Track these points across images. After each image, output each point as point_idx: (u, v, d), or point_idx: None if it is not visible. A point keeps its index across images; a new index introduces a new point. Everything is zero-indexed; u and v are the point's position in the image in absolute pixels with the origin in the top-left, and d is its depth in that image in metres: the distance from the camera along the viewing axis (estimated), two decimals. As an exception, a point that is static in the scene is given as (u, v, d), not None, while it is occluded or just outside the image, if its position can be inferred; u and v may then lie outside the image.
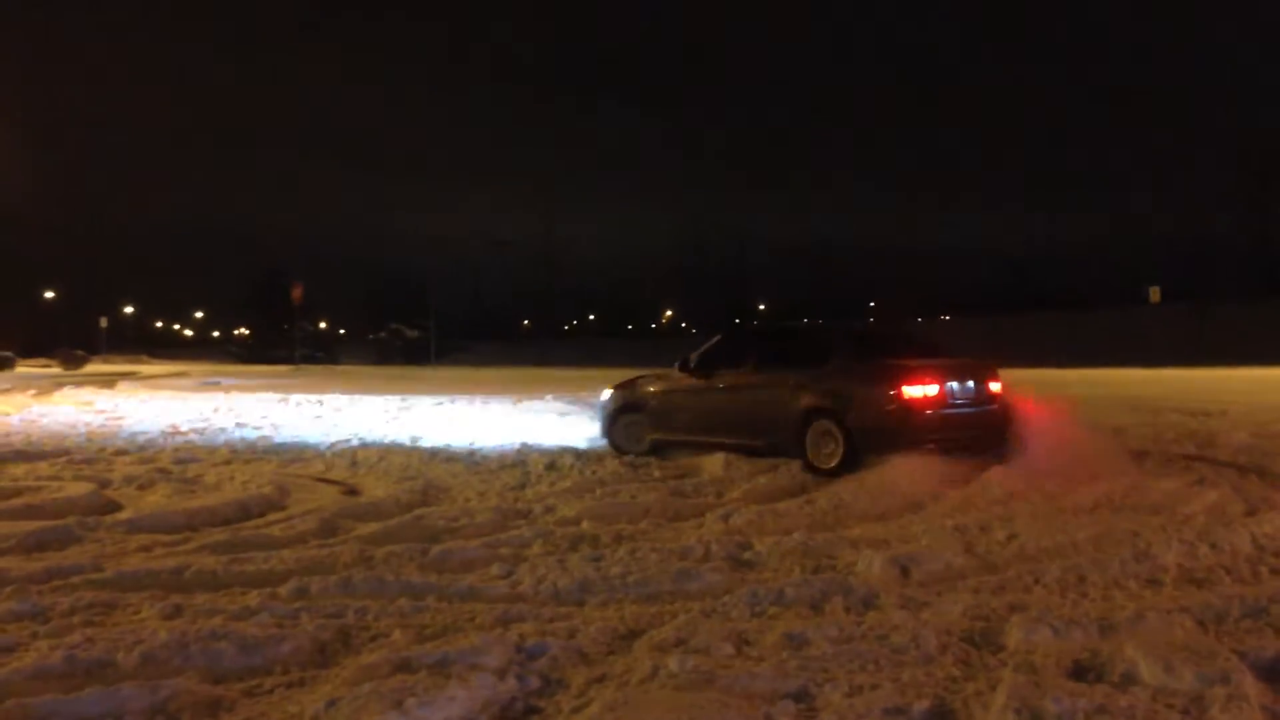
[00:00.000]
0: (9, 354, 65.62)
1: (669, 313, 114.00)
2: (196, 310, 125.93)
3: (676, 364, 11.42)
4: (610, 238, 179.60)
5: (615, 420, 11.90)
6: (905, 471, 8.89)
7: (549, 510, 7.89)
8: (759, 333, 15.02)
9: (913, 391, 9.58)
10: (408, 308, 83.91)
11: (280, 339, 79.40)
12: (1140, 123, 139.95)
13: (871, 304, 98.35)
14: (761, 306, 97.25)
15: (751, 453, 10.22)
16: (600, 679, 4.18)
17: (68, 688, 4.02)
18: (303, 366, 59.72)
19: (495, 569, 6.02)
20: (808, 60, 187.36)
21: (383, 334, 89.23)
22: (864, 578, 5.75)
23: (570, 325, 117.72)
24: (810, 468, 9.64)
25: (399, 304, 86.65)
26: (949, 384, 9.77)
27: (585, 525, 7.23)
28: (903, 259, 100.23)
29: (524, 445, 11.87)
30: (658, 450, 11.20)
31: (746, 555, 6.33)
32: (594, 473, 9.70)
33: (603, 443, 11.95)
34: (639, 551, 6.33)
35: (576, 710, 3.83)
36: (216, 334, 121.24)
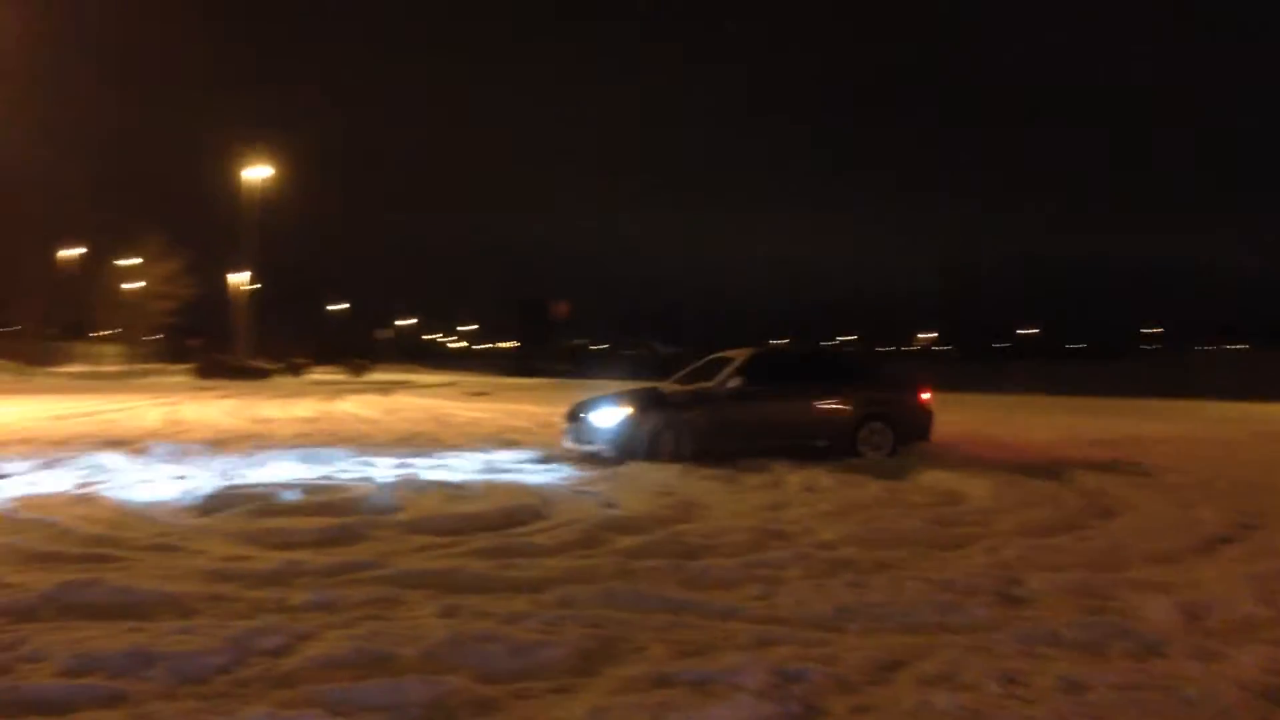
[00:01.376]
0: (303, 361, 72.95)
1: (924, 335, 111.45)
2: (467, 324, 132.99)
3: (677, 379, 14.19)
4: (866, 256, 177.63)
5: (654, 429, 12.40)
6: (1187, 512, 8.26)
7: (807, 532, 7.80)
8: (797, 354, 18.36)
9: (928, 398, 13.70)
10: (660, 324, 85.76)
11: (542, 353, 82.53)
12: None
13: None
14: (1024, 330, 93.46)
15: (810, 451, 12.46)
16: (862, 709, 4.08)
17: (355, 676, 4.29)
18: (563, 380, 61.91)
19: (753, 589, 6.00)
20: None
21: (637, 350, 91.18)
22: (1149, 623, 5.36)
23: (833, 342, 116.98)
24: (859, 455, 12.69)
25: (658, 322, 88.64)
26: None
27: (845, 550, 7.09)
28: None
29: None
30: (699, 457, 11.93)
31: (1016, 591, 6.02)
32: (853, 496, 9.48)
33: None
34: (901, 580, 6.15)
35: (840, 740, 3.75)
36: (482, 346, 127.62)
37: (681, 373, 14.09)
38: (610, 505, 9.26)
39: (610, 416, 12.58)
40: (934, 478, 10.73)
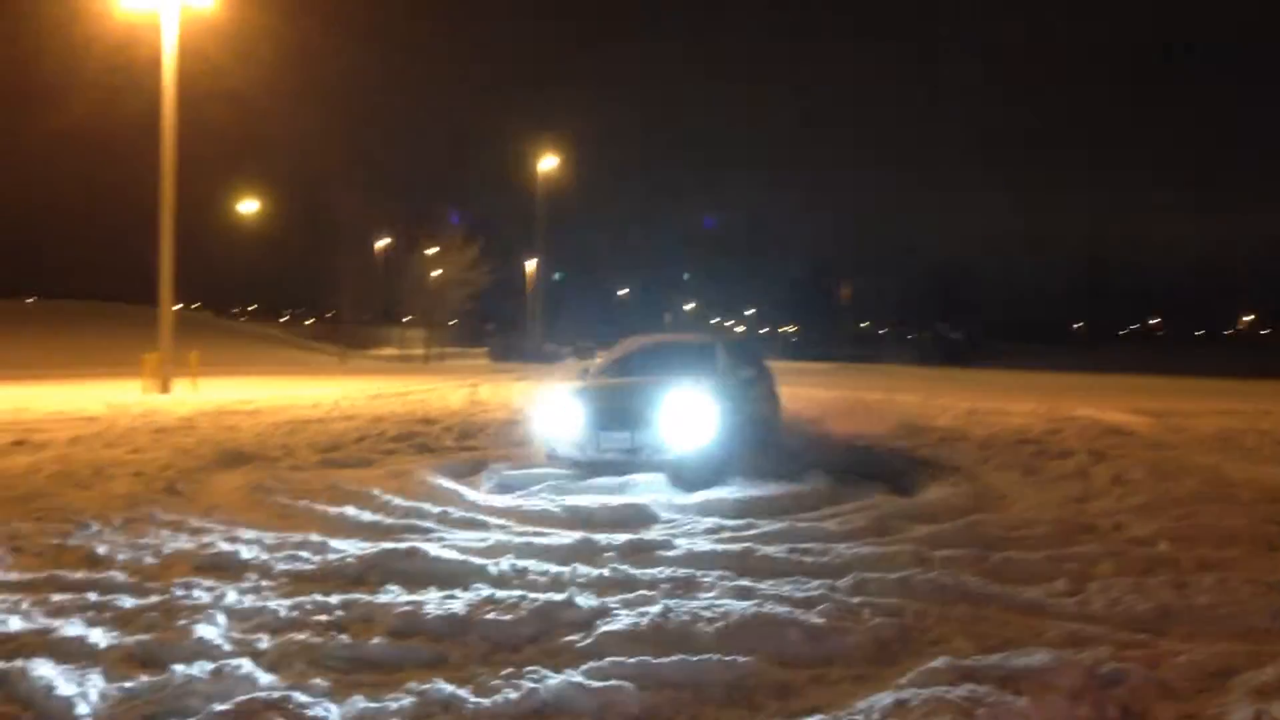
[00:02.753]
0: (589, 344, 73.29)
1: (1247, 317, 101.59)
2: (747, 308, 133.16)
3: None
4: (1171, 235, 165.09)
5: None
6: None
7: (1117, 528, 7.31)
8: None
9: None
10: (948, 309, 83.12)
11: (823, 337, 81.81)
12: None
13: None
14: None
15: None
16: (1190, 719, 3.78)
17: (656, 652, 4.38)
18: (846, 364, 60.95)
19: (1060, 584, 5.69)
20: None
21: (924, 334, 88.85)
22: None
23: (1127, 330, 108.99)
24: None
25: (940, 305, 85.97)
26: None
27: (1162, 547, 6.60)
28: None
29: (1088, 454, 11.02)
30: None
31: (1369, 599, 5.40)
32: (1167, 490, 8.78)
33: None
34: (1229, 581, 5.64)
35: (1167, 751, 3.49)
36: (765, 330, 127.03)
37: None
38: (901, 492, 9.05)
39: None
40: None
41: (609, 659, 4.28)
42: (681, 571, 5.88)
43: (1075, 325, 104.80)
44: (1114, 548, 6.58)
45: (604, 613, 4.99)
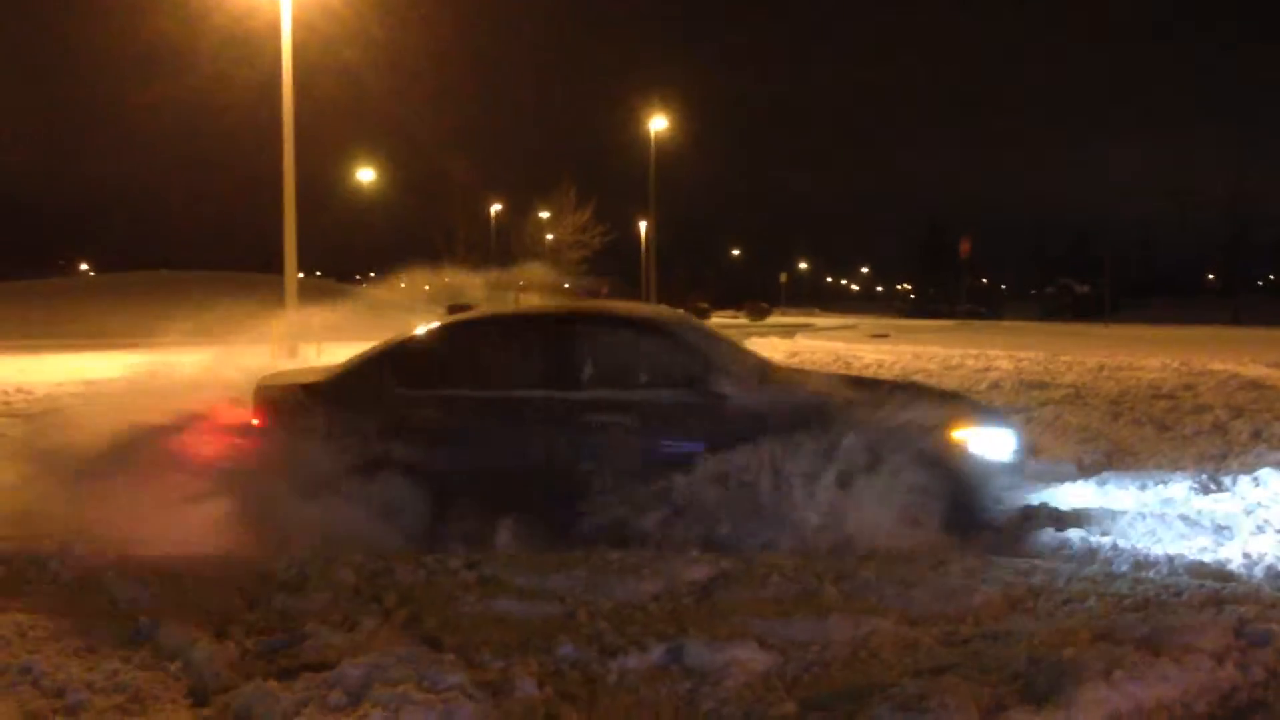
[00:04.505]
0: (704, 305, 72.67)
1: None
2: (862, 266, 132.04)
3: None
4: None
5: None
6: None
7: (1258, 484, 7.02)
8: None
9: None
10: (1074, 263, 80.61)
11: (942, 294, 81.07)
12: None
13: None
14: None
15: None
16: (1339, 682, 3.63)
17: (780, 612, 4.39)
18: (966, 321, 59.66)
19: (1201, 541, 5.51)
20: None
21: (1049, 289, 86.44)
22: None
23: (1266, 280, 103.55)
24: None
25: (1066, 259, 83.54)
26: None
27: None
28: None
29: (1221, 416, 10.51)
30: None
31: None
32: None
33: None
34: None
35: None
36: (880, 289, 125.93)
37: None
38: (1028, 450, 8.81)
39: None
40: None
41: (736, 617, 4.30)
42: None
43: (1209, 277, 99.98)
44: (1253, 504, 6.33)
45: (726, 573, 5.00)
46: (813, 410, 6.00)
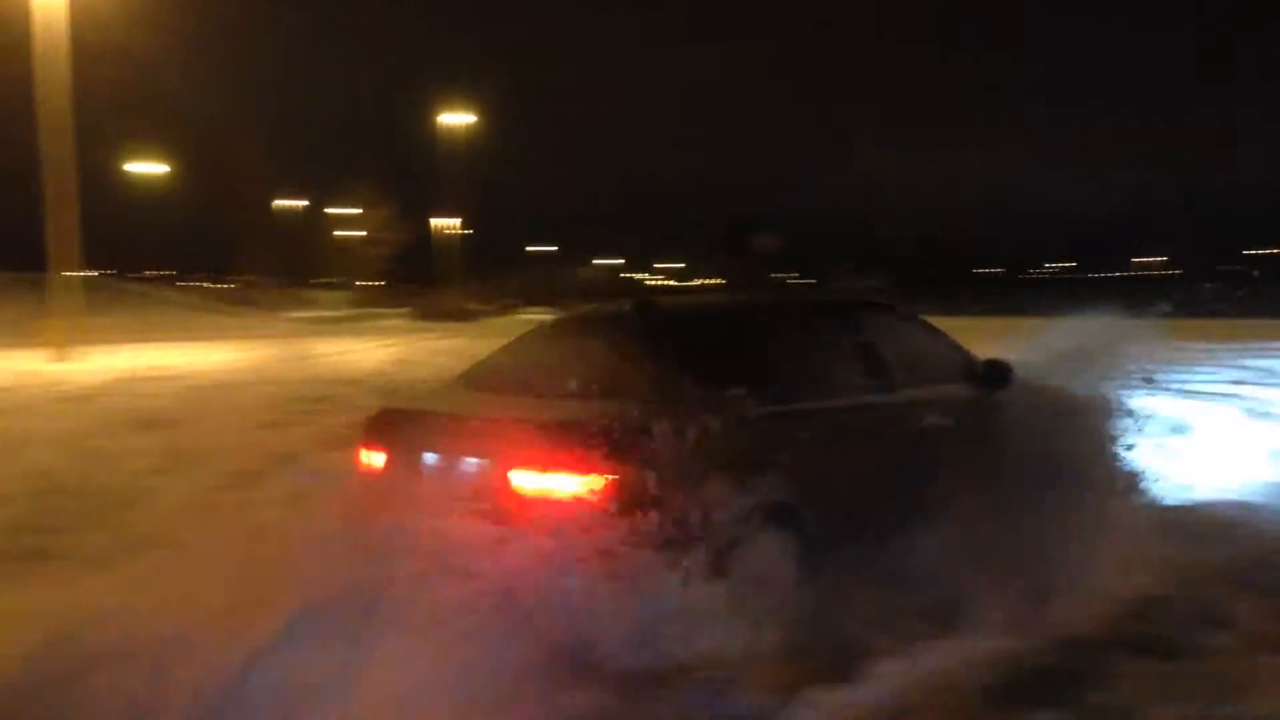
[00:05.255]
0: (514, 301, 71.76)
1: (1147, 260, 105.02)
2: (676, 262, 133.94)
3: None
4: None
5: None
6: None
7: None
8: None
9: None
10: (870, 257, 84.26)
11: (750, 288, 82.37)
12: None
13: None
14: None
15: None
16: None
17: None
18: None
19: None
20: None
21: (842, 284, 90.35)
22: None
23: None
24: None
25: (863, 253, 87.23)
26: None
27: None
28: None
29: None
30: None
31: None
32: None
33: None
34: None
35: None
36: (696, 283, 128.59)
37: None
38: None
39: None
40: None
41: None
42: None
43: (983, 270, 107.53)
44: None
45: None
46: (1052, 399, 5.54)
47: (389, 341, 30.22)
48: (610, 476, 3.98)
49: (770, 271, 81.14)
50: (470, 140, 70.34)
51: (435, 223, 75.87)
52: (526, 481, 4.10)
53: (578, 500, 3.98)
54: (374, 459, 4.76)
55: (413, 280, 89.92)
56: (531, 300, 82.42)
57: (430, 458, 4.47)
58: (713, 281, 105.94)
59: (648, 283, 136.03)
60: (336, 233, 77.59)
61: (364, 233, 75.79)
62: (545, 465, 4.06)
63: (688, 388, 4.31)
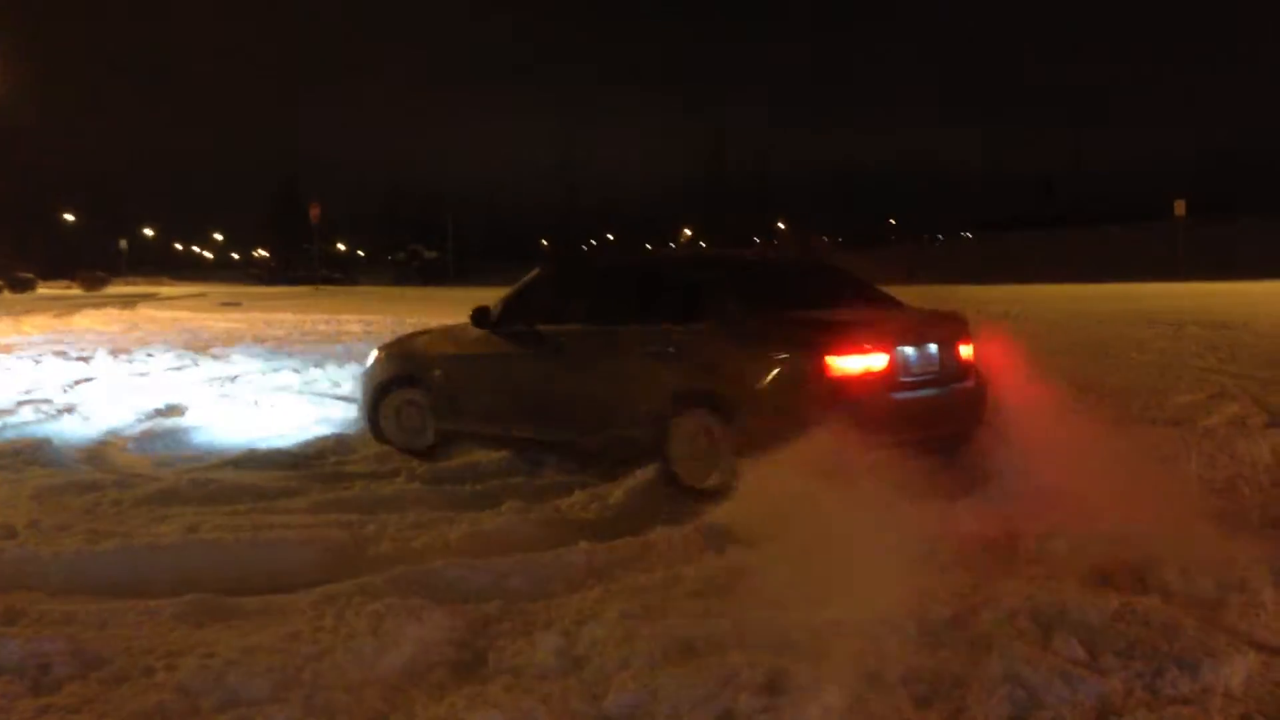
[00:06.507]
0: (29, 275, 63.77)
1: (688, 232, 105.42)
2: (216, 232, 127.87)
3: (471, 315, 7.48)
4: (632, 154, 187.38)
5: (381, 399, 7.89)
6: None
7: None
8: (597, 269, 8.26)
9: (845, 364, 5.81)
10: (425, 228, 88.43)
11: (299, 260, 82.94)
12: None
13: (891, 222, 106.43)
14: (781, 225, 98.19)
15: (581, 455, 6.84)
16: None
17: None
18: (321, 287, 59.22)
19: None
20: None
21: (401, 255, 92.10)
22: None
23: (589, 244, 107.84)
24: (673, 480, 6.21)
25: (416, 225, 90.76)
26: (902, 350, 6.04)
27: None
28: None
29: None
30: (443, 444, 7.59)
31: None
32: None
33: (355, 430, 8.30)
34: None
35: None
36: (236, 256, 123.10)
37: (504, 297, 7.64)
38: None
39: (366, 376, 8.26)
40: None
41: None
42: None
43: (543, 242, 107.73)
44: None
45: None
46: None
47: None
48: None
49: (323, 242, 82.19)
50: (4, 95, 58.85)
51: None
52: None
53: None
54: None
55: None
56: (52, 273, 72.97)
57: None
58: (261, 254, 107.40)
59: (204, 254, 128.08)
60: None
61: None
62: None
63: None
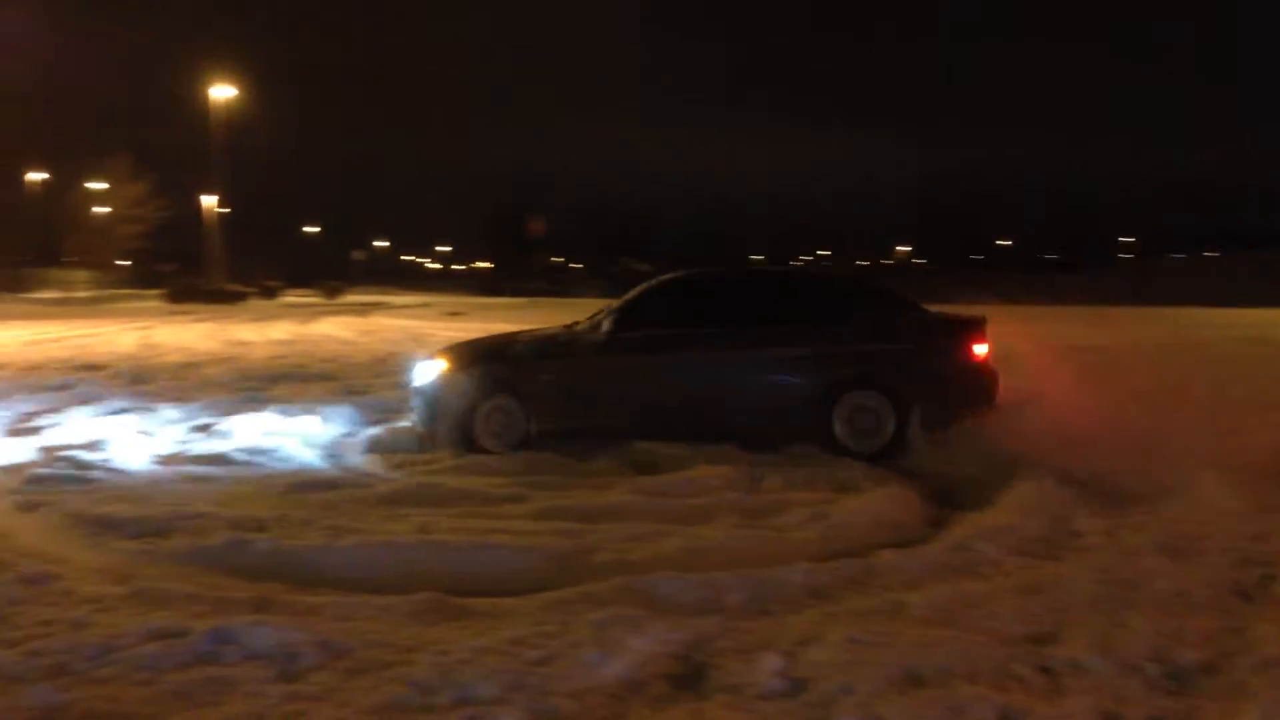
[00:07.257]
0: (277, 284, 72.61)
1: (904, 248, 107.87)
2: (442, 244, 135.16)
3: (581, 323, 8.23)
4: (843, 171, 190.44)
5: (476, 406, 7.91)
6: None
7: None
8: (727, 281, 8.87)
9: (980, 349, 7.71)
10: (637, 242, 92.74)
11: (517, 272, 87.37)
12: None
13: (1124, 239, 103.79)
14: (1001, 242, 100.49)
15: (750, 442, 7.45)
16: None
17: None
18: (537, 299, 60.28)
19: None
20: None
21: (615, 269, 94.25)
22: None
23: (799, 260, 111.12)
24: (844, 450, 7.42)
25: (629, 239, 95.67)
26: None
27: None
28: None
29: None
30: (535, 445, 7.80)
31: None
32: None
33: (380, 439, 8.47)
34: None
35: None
36: (460, 267, 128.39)
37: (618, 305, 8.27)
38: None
39: (436, 385, 8.13)
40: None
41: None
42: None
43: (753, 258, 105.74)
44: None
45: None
46: None
47: (140, 324, 28.83)
48: None
49: (543, 255, 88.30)
50: (235, 115, 67.05)
51: (205, 201, 70.62)
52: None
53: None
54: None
55: (170, 259, 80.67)
56: (295, 282, 79.82)
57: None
58: (483, 265, 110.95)
59: (428, 265, 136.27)
60: (93, 210, 72.46)
61: (114, 209, 71.80)
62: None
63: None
